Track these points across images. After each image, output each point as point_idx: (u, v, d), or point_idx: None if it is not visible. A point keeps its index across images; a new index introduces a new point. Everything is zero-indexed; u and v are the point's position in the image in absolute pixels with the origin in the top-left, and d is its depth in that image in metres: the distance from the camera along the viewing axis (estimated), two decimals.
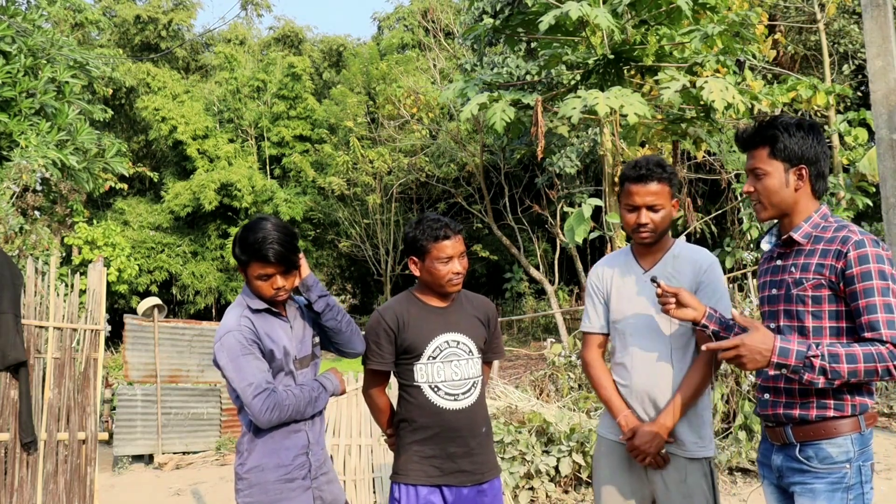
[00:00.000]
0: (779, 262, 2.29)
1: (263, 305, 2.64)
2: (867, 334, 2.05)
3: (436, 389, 2.66)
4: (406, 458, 2.69)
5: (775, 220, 2.33)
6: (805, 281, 2.16)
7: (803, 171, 2.22)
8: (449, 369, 2.68)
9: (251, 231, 2.58)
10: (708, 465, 2.60)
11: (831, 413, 2.12)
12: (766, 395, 2.26)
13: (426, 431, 2.66)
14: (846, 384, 2.06)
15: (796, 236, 2.22)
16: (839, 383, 2.03)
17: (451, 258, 2.64)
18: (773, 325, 2.26)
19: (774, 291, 2.27)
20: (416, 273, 2.71)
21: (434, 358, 2.67)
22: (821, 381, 2.03)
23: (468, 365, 2.71)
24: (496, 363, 8.70)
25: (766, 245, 2.38)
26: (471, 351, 2.72)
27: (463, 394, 2.68)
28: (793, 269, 2.21)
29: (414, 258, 2.70)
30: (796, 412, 2.16)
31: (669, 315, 2.45)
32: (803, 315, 2.16)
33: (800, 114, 12.74)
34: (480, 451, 2.71)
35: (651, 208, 2.59)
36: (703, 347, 2.18)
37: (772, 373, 2.07)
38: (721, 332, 2.43)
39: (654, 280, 2.47)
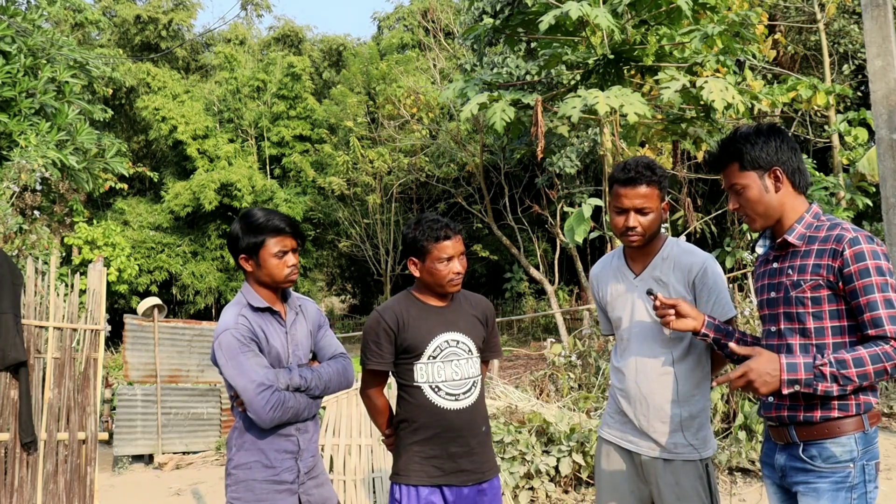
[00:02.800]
0: (775, 265, 2.28)
1: (265, 304, 2.62)
2: (871, 331, 2.05)
3: (436, 389, 2.66)
4: (407, 459, 2.68)
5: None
6: (803, 282, 2.16)
7: (778, 173, 2.22)
8: (449, 369, 2.67)
9: (253, 215, 2.62)
10: (704, 466, 2.58)
11: (836, 413, 2.11)
12: (770, 398, 2.25)
13: (427, 431, 2.66)
14: (859, 387, 2.07)
15: (791, 238, 2.21)
16: (852, 388, 2.04)
17: (451, 258, 2.64)
18: (773, 328, 2.26)
19: (773, 294, 2.26)
20: (416, 274, 2.70)
21: (434, 358, 2.66)
22: (835, 389, 2.03)
23: (468, 364, 2.71)
24: (496, 363, 8.70)
25: (760, 249, 2.37)
26: (470, 350, 2.72)
27: (463, 393, 2.68)
28: (790, 271, 2.21)
29: (414, 259, 2.69)
30: (801, 414, 2.16)
31: (669, 328, 2.41)
32: (804, 317, 2.16)
33: (799, 114, 12.75)
34: (480, 451, 2.71)
35: (640, 211, 2.55)
36: (714, 384, 2.21)
37: (786, 391, 2.06)
38: (722, 339, 2.42)
39: (650, 293, 2.42)
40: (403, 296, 2.77)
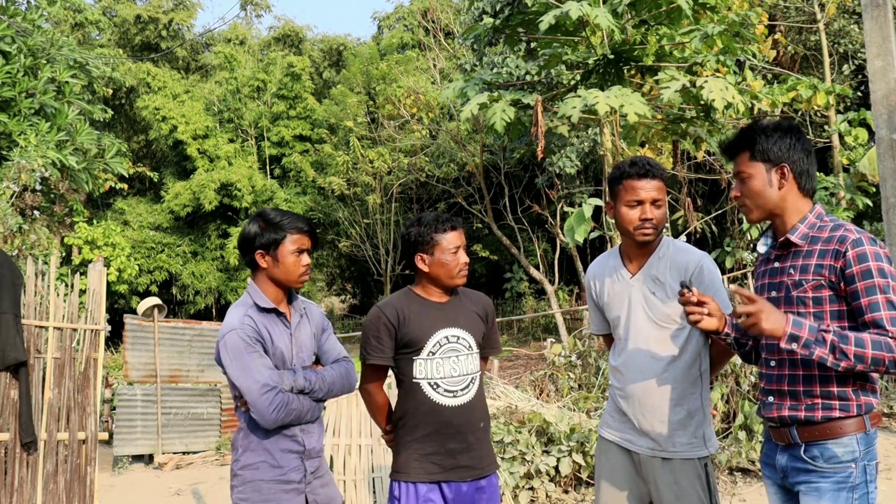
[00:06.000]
0: (776, 265, 2.28)
1: (271, 305, 2.63)
2: (872, 332, 2.05)
3: (435, 386, 2.67)
4: (406, 456, 2.70)
5: (769, 222, 2.33)
6: (805, 282, 2.16)
7: (785, 170, 2.22)
8: (448, 365, 2.68)
9: (273, 213, 2.67)
10: (703, 465, 2.58)
11: (837, 413, 2.11)
12: (770, 398, 2.25)
13: (425, 428, 2.67)
14: (851, 371, 2.05)
15: (793, 238, 2.21)
16: (846, 366, 2.01)
17: (458, 248, 2.71)
18: None
19: (774, 294, 2.26)
20: (425, 269, 2.72)
21: (433, 354, 2.68)
22: (830, 359, 2.01)
23: (468, 360, 2.72)
24: (496, 362, 8.71)
25: (762, 248, 2.37)
26: (470, 346, 2.74)
27: (462, 390, 2.70)
28: (791, 270, 2.20)
29: (422, 254, 2.71)
30: (801, 414, 2.15)
31: (696, 327, 2.31)
32: (805, 316, 2.15)
33: (799, 114, 12.75)
34: (479, 447, 2.73)
35: (654, 204, 2.58)
36: (733, 287, 2.15)
37: (783, 345, 2.04)
38: (741, 339, 2.41)
39: (684, 285, 2.28)
40: (403, 293, 2.80)
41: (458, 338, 2.72)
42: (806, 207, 2.24)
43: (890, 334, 2.02)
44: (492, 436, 5.33)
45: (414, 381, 2.68)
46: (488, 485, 2.74)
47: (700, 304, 2.27)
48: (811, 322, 2.06)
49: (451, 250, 2.68)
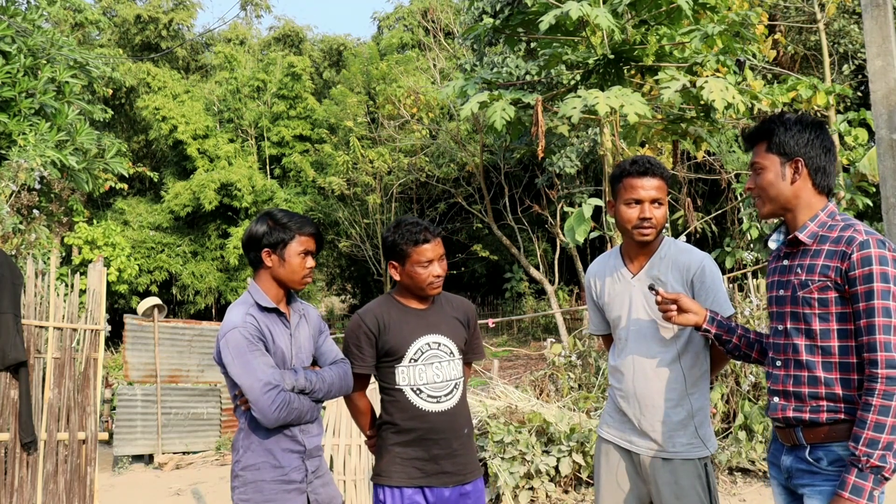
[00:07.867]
0: (786, 262, 2.25)
1: (272, 304, 2.64)
2: (865, 355, 2.03)
3: (418, 392, 2.67)
4: (388, 460, 2.70)
5: (781, 218, 2.30)
6: (811, 283, 2.12)
7: (799, 165, 2.18)
8: (431, 371, 2.68)
9: (282, 213, 2.67)
10: (703, 465, 2.58)
11: (842, 416, 2.09)
12: (777, 399, 2.23)
13: (409, 434, 2.67)
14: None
15: (802, 236, 2.18)
16: None
17: (431, 261, 2.66)
18: (780, 327, 2.23)
19: (781, 292, 2.24)
20: (397, 277, 2.72)
21: (415, 360, 2.68)
22: (889, 456, 1.97)
23: (450, 366, 2.72)
24: (496, 362, 8.70)
25: (773, 244, 2.33)
26: (452, 352, 2.74)
27: (445, 395, 2.69)
28: (798, 270, 2.17)
29: (394, 263, 2.71)
30: (806, 415, 2.13)
31: (671, 322, 2.43)
32: (810, 317, 2.13)
33: (799, 114, 12.74)
34: (463, 453, 2.73)
35: (654, 203, 2.57)
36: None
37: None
38: (723, 335, 2.42)
39: (651, 288, 2.44)
40: (384, 299, 2.79)
41: (440, 344, 2.71)
42: (819, 205, 2.20)
43: (878, 363, 1.98)
44: (491, 436, 5.33)
45: (396, 387, 2.68)
46: (473, 490, 2.74)
47: (672, 301, 2.40)
48: (856, 476, 1.97)
49: (422, 263, 2.64)
